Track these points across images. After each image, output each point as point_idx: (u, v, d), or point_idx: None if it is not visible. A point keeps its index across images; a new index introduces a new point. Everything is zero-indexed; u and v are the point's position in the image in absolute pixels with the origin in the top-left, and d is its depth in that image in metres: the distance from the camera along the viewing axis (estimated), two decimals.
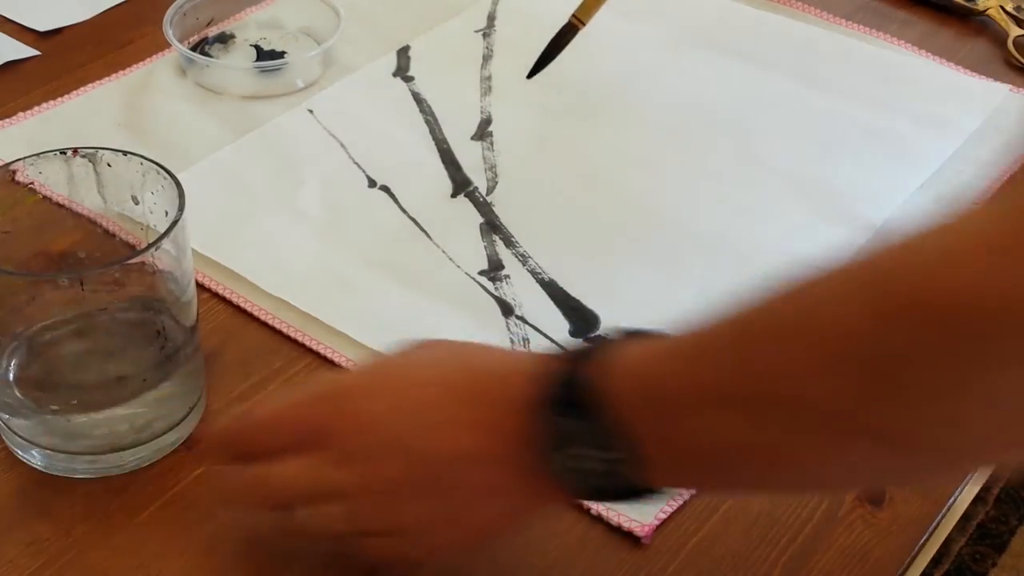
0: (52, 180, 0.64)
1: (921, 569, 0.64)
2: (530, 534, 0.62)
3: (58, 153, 0.64)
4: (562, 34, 0.89)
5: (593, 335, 0.73)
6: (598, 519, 0.62)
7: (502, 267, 0.77)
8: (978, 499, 0.74)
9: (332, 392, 0.57)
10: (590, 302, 0.75)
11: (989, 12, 1.03)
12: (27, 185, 0.64)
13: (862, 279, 0.44)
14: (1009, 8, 1.03)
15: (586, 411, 0.50)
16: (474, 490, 0.53)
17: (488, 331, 0.73)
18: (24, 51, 0.94)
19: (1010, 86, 0.95)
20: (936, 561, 0.68)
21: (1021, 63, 0.99)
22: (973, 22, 1.04)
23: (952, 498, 0.65)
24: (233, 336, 0.72)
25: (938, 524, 0.64)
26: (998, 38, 1.02)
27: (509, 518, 0.55)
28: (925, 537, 0.63)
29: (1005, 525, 0.80)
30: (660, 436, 0.49)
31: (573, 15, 0.89)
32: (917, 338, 0.41)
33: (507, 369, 0.55)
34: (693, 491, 0.52)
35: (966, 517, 0.73)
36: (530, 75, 0.90)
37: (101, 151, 0.64)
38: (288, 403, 0.58)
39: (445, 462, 0.53)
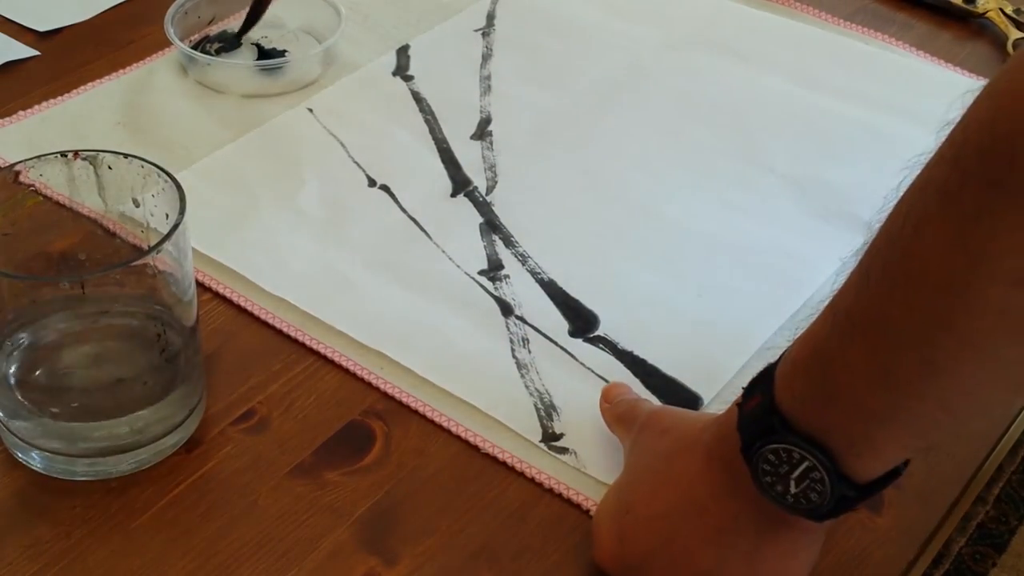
0: (53, 182, 0.64)
1: (922, 571, 0.64)
2: (531, 537, 0.62)
3: (59, 155, 0.64)
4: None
5: (593, 334, 0.73)
6: None
7: (502, 267, 0.77)
8: (978, 499, 0.74)
9: None
10: (589, 302, 0.75)
11: (989, 15, 1.03)
12: (28, 187, 0.64)
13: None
14: (1009, 11, 1.03)
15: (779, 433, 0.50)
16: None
17: (488, 331, 0.73)
18: (24, 51, 0.94)
19: None
20: (936, 561, 0.68)
21: None
22: (973, 24, 1.04)
23: (949, 504, 0.65)
24: (233, 338, 0.72)
25: (937, 528, 0.64)
26: (998, 41, 1.02)
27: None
28: (923, 542, 0.63)
29: (1005, 525, 0.80)
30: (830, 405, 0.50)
31: None
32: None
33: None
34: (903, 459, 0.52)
35: (966, 517, 0.73)
36: (239, 35, 0.95)
37: (102, 154, 0.64)
38: None
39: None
